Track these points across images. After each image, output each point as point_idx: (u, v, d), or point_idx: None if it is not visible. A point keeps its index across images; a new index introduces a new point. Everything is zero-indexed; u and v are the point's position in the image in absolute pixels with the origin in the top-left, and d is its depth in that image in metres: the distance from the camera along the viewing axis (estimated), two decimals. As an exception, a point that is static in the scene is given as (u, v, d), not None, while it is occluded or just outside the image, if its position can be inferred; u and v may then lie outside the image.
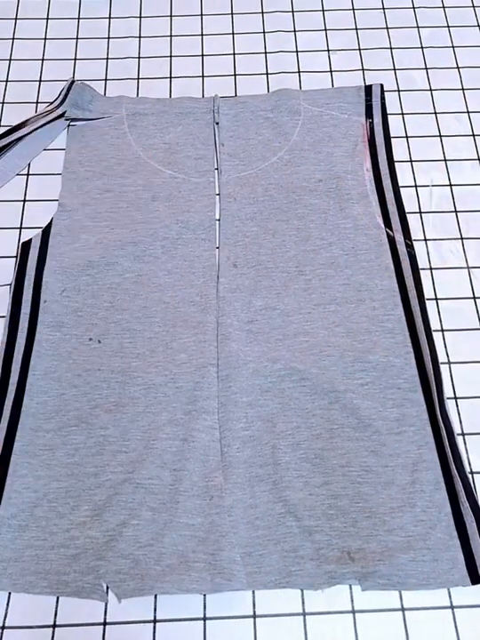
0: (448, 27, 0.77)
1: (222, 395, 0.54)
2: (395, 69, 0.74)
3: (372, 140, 0.68)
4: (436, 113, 0.71)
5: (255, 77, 0.73)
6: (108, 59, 0.74)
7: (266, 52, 0.75)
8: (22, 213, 0.65)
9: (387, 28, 0.77)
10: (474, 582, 0.47)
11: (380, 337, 0.57)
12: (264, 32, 0.76)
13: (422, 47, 0.76)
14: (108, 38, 0.76)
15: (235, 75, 0.73)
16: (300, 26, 0.77)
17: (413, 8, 0.79)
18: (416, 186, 0.67)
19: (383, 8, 0.78)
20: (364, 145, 0.68)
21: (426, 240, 0.64)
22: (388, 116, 0.70)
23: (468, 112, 0.71)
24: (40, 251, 0.61)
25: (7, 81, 0.73)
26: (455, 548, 0.48)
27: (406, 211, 0.64)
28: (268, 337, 0.57)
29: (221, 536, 0.48)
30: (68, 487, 0.51)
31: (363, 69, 0.74)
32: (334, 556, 0.48)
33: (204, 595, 0.48)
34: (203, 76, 0.73)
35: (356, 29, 0.77)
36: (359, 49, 0.75)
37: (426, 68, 0.74)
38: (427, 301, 0.59)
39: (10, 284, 0.60)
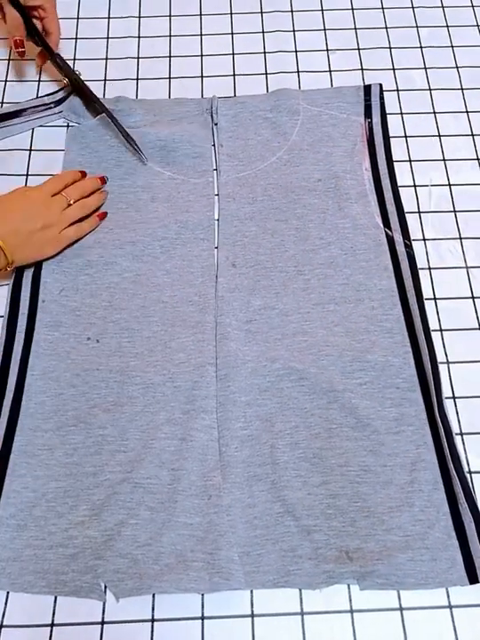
0: (447, 26, 0.77)
1: (221, 394, 0.54)
2: (394, 69, 0.74)
3: (370, 139, 0.68)
4: (434, 113, 0.71)
5: (254, 77, 0.73)
6: (107, 59, 0.74)
7: (265, 52, 0.75)
8: (21, 213, 0.65)
9: (386, 27, 0.77)
10: (472, 582, 0.47)
11: (379, 336, 0.57)
12: (263, 32, 0.76)
13: (421, 47, 0.76)
14: (108, 38, 0.76)
15: (234, 75, 0.73)
16: (299, 26, 0.77)
17: (412, 8, 0.79)
18: (415, 186, 0.67)
19: (382, 8, 0.78)
20: (362, 145, 0.68)
21: (425, 240, 0.63)
22: (387, 116, 0.70)
23: (467, 112, 0.71)
24: (39, 250, 0.61)
25: (6, 81, 0.73)
26: (453, 548, 0.48)
27: (405, 210, 0.64)
28: (267, 336, 0.57)
29: (220, 535, 0.48)
30: (66, 487, 0.51)
31: (362, 69, 0.74)
32: (332, 556, 0.48)
33: (203, 594, 0.48)
34: (202, 77, 0.73)
35: (355, 29, 0.77)
36: (358, 49, 0.75)
37: (425, 68, 0.74)
38: (425, 301, 0.59)
39: (8, 284, 0.60)
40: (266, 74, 0.74)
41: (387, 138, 0.68)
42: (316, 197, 0.64)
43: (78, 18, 0.77)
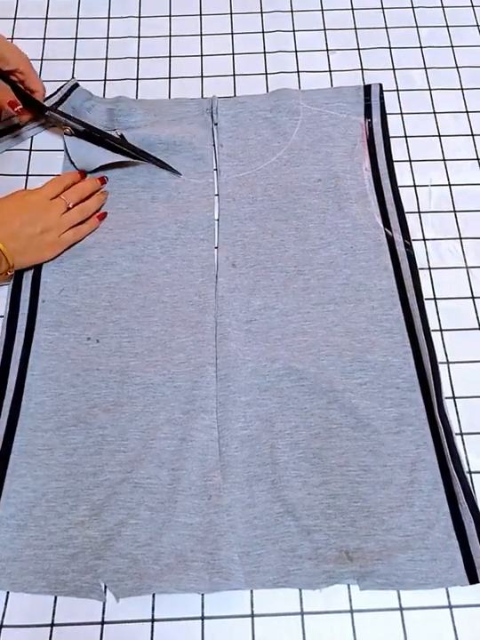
0: (447, 26, 0.77)
1: (221, 394, 0.54)
2: (394, 69, 0.74)
3: (370, 139, 0.68)
4: (434, 113, 0.71)
5: (254, 77, 0.73)
6: (107, 59, 0.74)
7: (265, 52, 0.75)
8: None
9: (386, 27, 0.77)
10: (472, 582, 0.47)
11: (379, 336, 0.57)
12: (263, 32, 0.76)
13: (421, 47, 0.76)
14: (108, 38, 0.76)
15: (234, 75, 0.73)
16: (299, 26, 0.77)
17: (412, 8, 0.79)
18: (415, 186, 0.67)
19: (382, 8, 0.78)
20: (362, 145, 0.68)
21: (425, 240, 0.63)
22: (387, 116, 0.70)
23: (466, 112, 0.71)
24: (39, 250, 0.61)
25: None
26: (453, 548, 0.48)
27: (405, 210, 0.64)
28: (267, 336, 0.57)
29: (220, 535, 0.48)
30: (66, 487, 0.51)
31: (362, 69, 0.74)
32: (332, 556, 0.48)
33: (203, 594, 0.48)
34: (202, 77, 0.73)
35: (355, 29, 0.77)
36: (358, 49, 0.75)
37: (425, 68, 0.74)
38: (425, 301, 0.59)
39: (8, 284, 0.60)
40: (266, 74, 0.74)
41: (387, 138, 0.68)
42: (316, 197, 0.64)
43: (78, 18, 0.77)
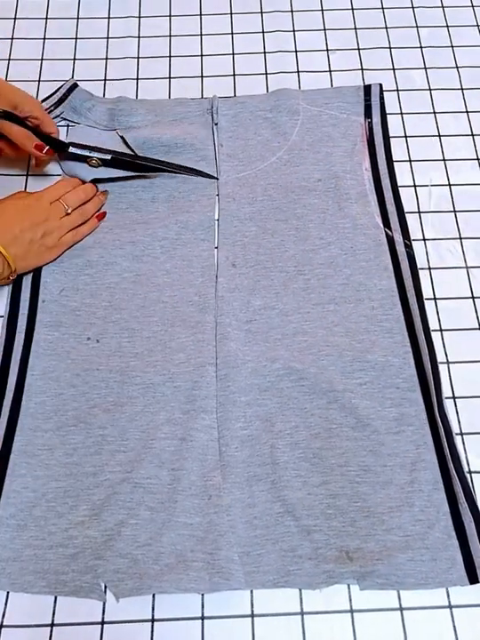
0: (447, 26, 0.77)
1: (221, 394, 0.54)
2: (394, 69, 0.74)
3: (370, 139, 0.68)
4: (434, 113, 0.71)
5: (254, 77, 0.73)
6: (106, 59, 0.74)
7: (265, 52, 0.75)
8: (21, 213, 0.65)
9: (386, 27, 0.77)
10: (472, 582, 0.47)
11: (379, 336, 0.57)
12: (263, 32, 0.76)
13: (421, 47, 0.76)
14: (107, 38, 0.76)
15: (234, 75, 0.73)
16: (299, 26, 0.77)
17: (412, 8, 0.79)
18: (415, 186, 0.67)
19: (382, 8, 0.78)
20: (362, 145, 0.68)
21: (425, 240, 0.63)
22: (387, 116, 0.70)
23: (466, 112, 0.71)
24: (39, 250, 0.61)
25: (6, 80, 0.73)
26: (453, 548, 0.48)
27: (405, 210, 0.64)
28: (267, 336, 0.57)
29: (220, 535, 0.48)
30: (66, 487, 0.51)
31: (362, 69, 0.74)
32: (332, 556, 0.48)
33: (203, 594, 0.48)
34: (202, 76, 0.73)
35: (355, 29, 0.77)
36: (358, 49, 0.75)
37: (425, 68, 0.74)
38: (425, 301, 0.59)
39: (8, 284, 0.60)
40: (266, 74, 0.74)
41: (387, 138, 0.68)
42: (316, 197, 0.64)
43: (78, 18, 0.77)
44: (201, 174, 0.66)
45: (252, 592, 0.48)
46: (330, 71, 0.74)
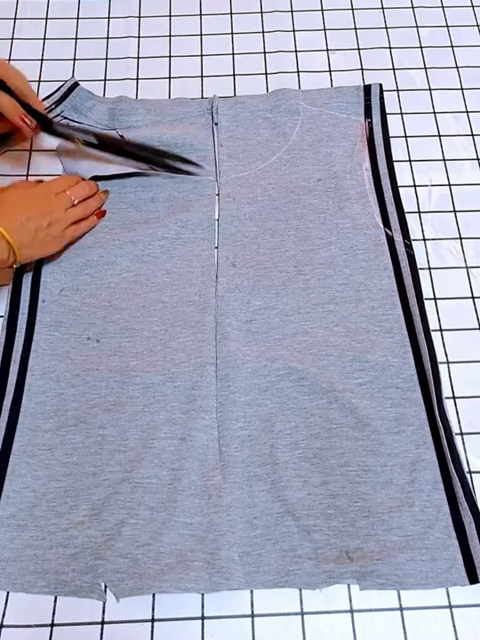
0: (447, 26, 0.77)
1: (221, 394, 0.54)
2: (394, 69, 0.74)
3: (370, 139, 0.68)
4: (434, 113, 0.71)
5: (254, 77, 0.73)
6: (107, 59, 0.74)
7: (265, 52, 0.75)
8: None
9: (386, 27, 0.77)
10: (472, 582, 0.47)
11: (379, 337, 0.57)
12: (263, 32, 0.76)
13: (421, 47, 0.76)
14: (108, 38, 0.76)
15: (234, 75, 0.73)
16: (299, 26, 0.77)
17: (412, 8, 0.79)
18: (415, 185, 0.67)
19: (382, 8, 0.78)
20: (362, 145, 0.68)
21: (425, 240, 0.64)
22: (387, 116, 0.70)
23: (467, 112, 0.71)
24: (39, 250, 0.61)
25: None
26: (453, 548, 0.48)
27: (405, 210, 0.64)
28: (267, 336, 0.57)
29: (220, 535, 0.48)
30: (66, 487, 0.51)
31: (362, 69, 0.74)
32: (332, 556, 0.48)
33: (203, 594, 0.48)
34: (202, 76, 0.73)
35: (355, 29, 0.77)
36: (358, 49, 0.75)
37: (425, 68, 0.74)
38: (425, 301, 0.59)
39: (8, 284, 0.60)
40: (266, 74, 0.74)
41: (387, 138, 0.68)
42: (316, 197, 0.64)
43: (78, 18, 0.77)
44: (182, 172, 0.65)
45: (252, 592, 0.48)
46: (330, 71, 0.74)
